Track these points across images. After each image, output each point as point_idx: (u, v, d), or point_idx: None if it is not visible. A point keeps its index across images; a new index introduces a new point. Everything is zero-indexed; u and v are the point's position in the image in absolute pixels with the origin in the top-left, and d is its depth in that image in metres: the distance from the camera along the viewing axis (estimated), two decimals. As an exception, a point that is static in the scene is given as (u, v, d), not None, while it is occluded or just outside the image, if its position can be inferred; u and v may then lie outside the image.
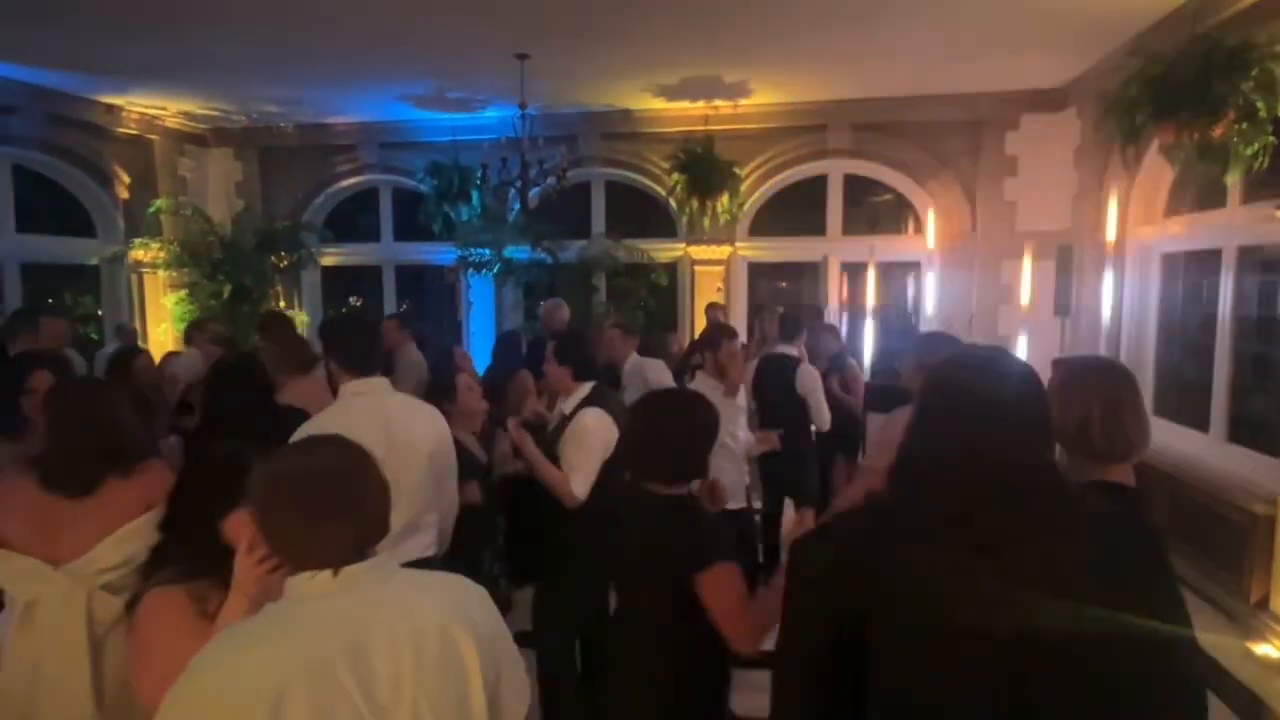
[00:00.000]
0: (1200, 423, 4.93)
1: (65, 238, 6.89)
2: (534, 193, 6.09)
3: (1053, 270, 5.90)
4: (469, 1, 4.45)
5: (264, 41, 5.08)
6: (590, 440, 2.83)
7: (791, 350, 4.63)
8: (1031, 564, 1.16)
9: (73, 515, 1.98)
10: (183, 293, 7.19)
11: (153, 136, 7.28)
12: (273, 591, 1.37)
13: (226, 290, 7.26)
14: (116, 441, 2.06)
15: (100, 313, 7.27)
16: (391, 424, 2.48)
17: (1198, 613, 4.16)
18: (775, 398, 4.52)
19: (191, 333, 4.77)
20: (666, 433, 1.97)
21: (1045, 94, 6.31)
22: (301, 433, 2.35)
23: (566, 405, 3.10)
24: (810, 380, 4.48)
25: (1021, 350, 5.93)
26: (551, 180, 5.98)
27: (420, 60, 5.62)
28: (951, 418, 1.26)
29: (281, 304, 7.71)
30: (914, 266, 7.20)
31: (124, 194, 7.06)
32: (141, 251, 7.08)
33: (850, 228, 7.23)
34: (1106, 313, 5.58)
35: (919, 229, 7.07)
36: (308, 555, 1.19)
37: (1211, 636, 3.94)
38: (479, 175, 6.64)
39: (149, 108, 6.97)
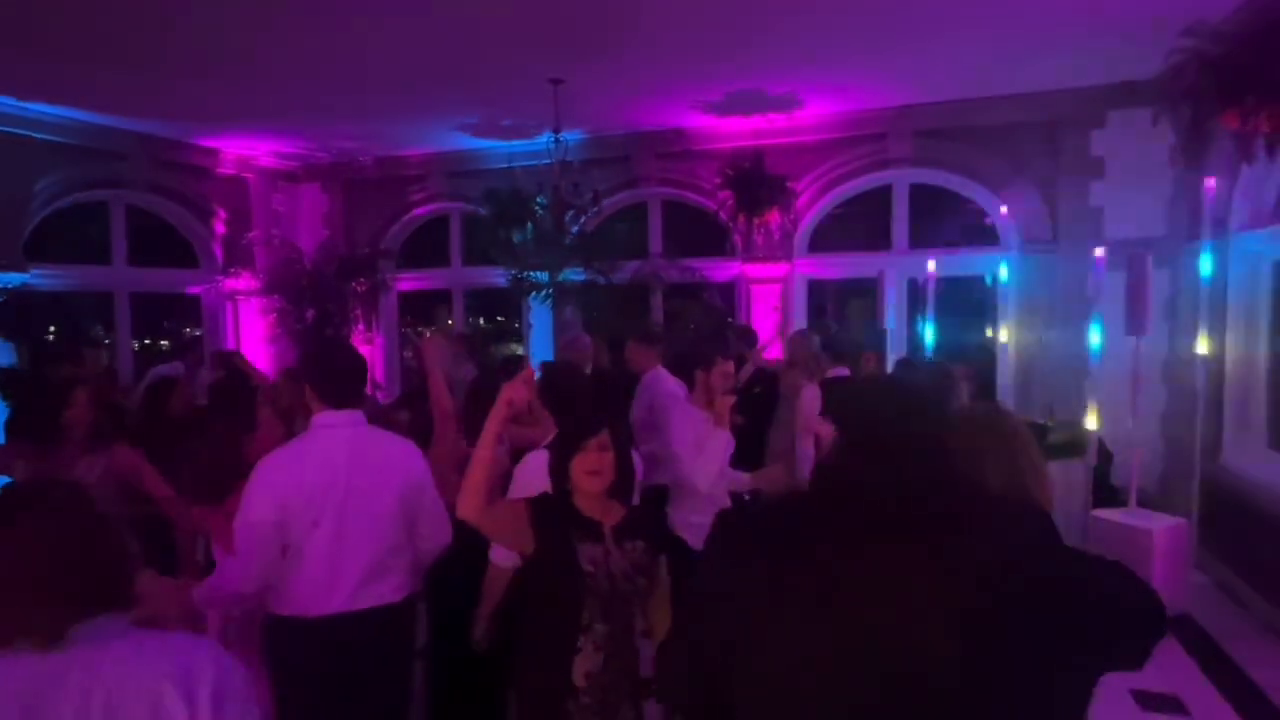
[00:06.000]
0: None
1: (170, 269, 7.60)
2: (577, 219, 6.10)
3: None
4: (500, 30, 4.54)
5: (324, 78, 5.39)
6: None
7: (846, 373, 4.23)
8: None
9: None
10: (272, 318, 7.75)
11: (247, 175, 7.92)
12: None
13: (310, 315, 7.77)
14: None
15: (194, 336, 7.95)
16: (354, 459, 2.37)
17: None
18: None
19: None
20: None
21: (1134, 86, 5.65)
22: (261, 467, 2.34)
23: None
24: None
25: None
26: (593, 210, 5.98)
27: (466, 90, 5.80)
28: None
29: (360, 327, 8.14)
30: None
31: (222, 228, 7.71)
32: (236, 280, 7.70)
33: (920, 239, 6.77)
34: (1203, 330, 4.89)
35: (993, 239, 6.53)
36: None
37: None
38: (535, 201, 6.77)
39: (243, 149, 7.60)
